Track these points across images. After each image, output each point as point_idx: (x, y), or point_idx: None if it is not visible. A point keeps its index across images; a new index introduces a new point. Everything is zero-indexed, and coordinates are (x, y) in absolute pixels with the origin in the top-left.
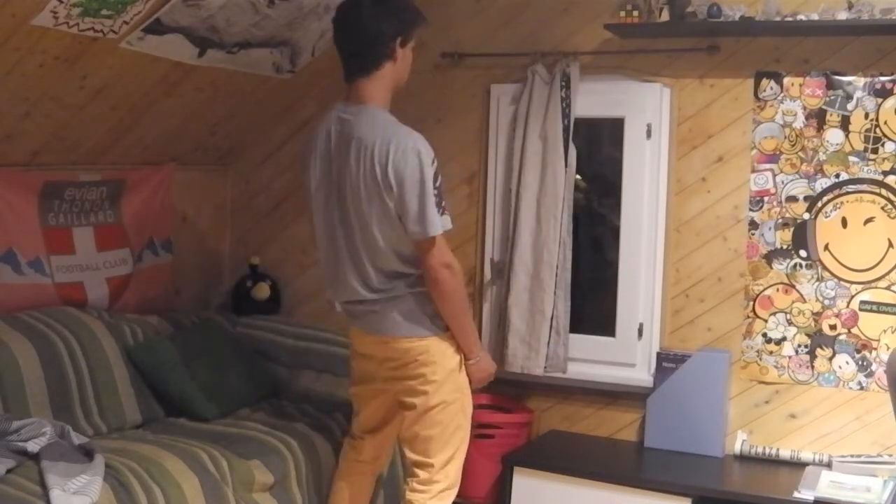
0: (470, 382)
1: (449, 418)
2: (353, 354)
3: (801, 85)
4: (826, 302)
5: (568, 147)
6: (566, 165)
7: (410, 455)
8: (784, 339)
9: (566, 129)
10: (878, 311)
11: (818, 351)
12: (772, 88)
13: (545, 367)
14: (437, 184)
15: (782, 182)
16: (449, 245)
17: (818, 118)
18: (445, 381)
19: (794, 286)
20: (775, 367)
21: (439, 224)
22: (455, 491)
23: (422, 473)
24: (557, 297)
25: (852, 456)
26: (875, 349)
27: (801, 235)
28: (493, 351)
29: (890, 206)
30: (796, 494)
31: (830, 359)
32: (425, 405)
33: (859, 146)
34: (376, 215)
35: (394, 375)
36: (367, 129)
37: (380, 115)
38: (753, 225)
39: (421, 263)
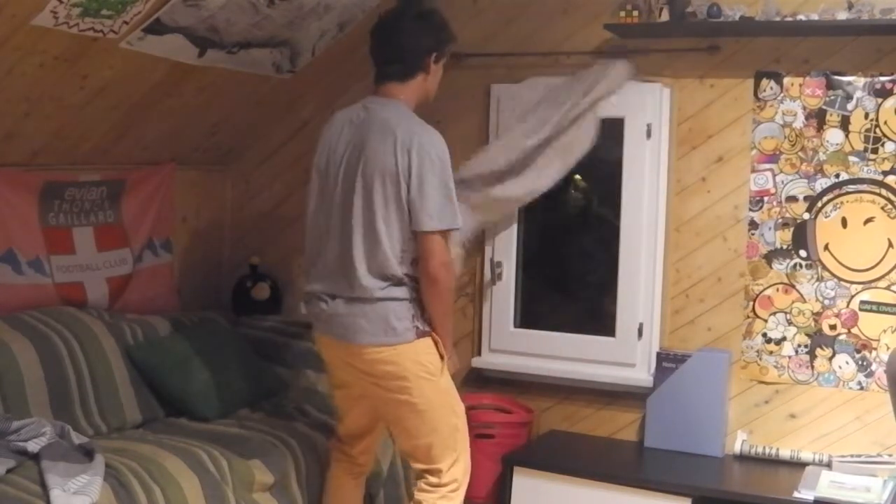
0: None
1: (442, 422)
2: (326, 363)
3: (801, 85)
4: (826, 302)
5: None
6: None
7: (416, 465)
8: (784, 339)
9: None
10: (878, 311)
11: (818, 351)
12: (772, 88)
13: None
14: (453, 183)
15: (782, 182)
16: None
17: (818, 118)
18: (426, 386)
19: (794, 286)
20: (775, 367)
21: (459, 218)
22: (464, 487)
23: (432, 478)
24: None
25: (852, 456)
26: (875, 349)
27: (801, 235)
28: None
29: (890, 206)
30: (796, 494)
31: (830, 359)
32: (414, 414)
33: (859, 146)
34: (385, 199)
35: (374, 392)
36: (393, 116)
37: (406, 110)
38: (753, 225)
39: (420, 259)
